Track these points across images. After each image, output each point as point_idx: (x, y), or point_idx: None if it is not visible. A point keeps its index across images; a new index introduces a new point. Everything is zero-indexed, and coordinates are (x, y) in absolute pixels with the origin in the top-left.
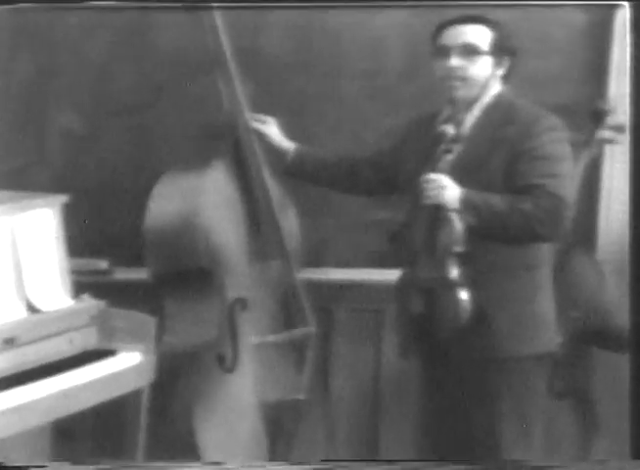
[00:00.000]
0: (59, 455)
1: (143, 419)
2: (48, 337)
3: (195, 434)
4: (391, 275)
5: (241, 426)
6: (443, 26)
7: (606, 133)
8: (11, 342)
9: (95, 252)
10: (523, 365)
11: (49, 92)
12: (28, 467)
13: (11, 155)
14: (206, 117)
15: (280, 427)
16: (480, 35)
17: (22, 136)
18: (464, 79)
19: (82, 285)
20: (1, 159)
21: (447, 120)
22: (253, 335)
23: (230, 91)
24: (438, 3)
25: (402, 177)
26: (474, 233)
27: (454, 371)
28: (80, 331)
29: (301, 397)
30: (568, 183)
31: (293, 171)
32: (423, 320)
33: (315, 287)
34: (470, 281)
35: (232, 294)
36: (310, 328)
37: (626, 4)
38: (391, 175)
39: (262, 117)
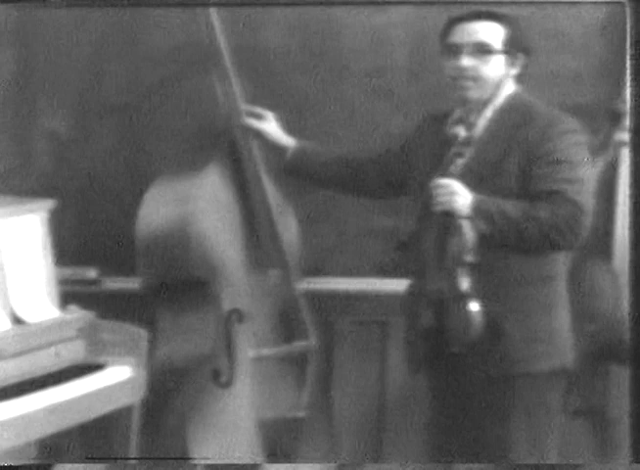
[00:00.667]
0: None
1: (133, 437)
2: (33, 350)
3: (189, 453)
4: (397, 285)
5: (237, 445)
6: (453, 23)
7: (623, 135)
8: None
9: (83, 260)
10: (536, 382)
11: (34, 92)
12: (28, 467)
13: None
14: (202, 118)
15: (278, 446)
16: (492, 33)
17: (6, 138)
18: (476, 80)
19: (70, 295)
20: None
21: (458, 122)
22: (251, 348)
23: (226, 91)
24: (445, 1)
25: (410, 180)
26: (486, 242)
27: (465, 388)
28: (67, 344)
29: (301, 414)
30: (587, 189)
31: (292, 169)
32: (432, 334)
33: (316, 298)
34: (482, 293)
35: (228, 305)
36: (311, 341)
37: (626, 3)
38: (398, 177)
39: (259, 110)
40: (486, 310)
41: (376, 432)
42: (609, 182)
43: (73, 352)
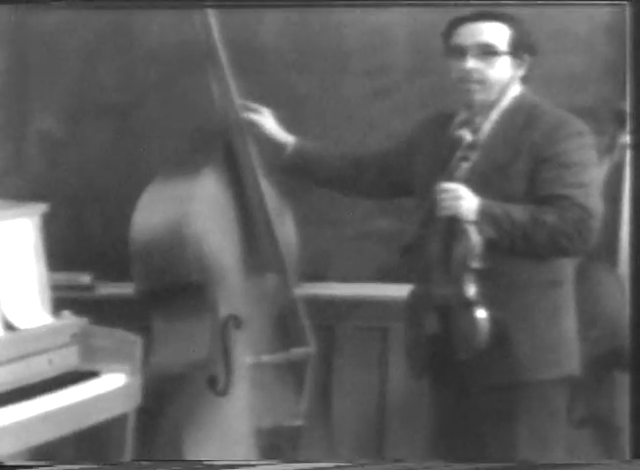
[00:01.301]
0: None
1: (128, 446)
2: (26, 357)
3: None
4: (399, 290)
5: (234, 454)
6: (457, 23)
7: (629, 137)
8: None
9: (77, 265)
10: (542, 390)
11: (26, 92)
12: (28, 467)
13: None
14: (197, 118)
15: (277, 456)
16: (497, 34)
17: None
18: (482, 82)
19: (63, 301)
20: None
21: (464, 125)
22: (248, 355)
23: (223, 91)
24: (446, 2)
25: (412, 181)
26: (493, 247)
27: (469, 396)
28: (61, 351)
29: (300, 422)
30: (594, 193)
31: (290, 167)
32: (437, 341)
33: (315, 303)
34: (488, 299)
35: (225, 310)
36: (310, 348)
37: (626, 3)
38: (400, 178)
39: (256, 106)
40: (493, 317)
41: (376, 440)
42: (614, 185)
43: (67, 358)
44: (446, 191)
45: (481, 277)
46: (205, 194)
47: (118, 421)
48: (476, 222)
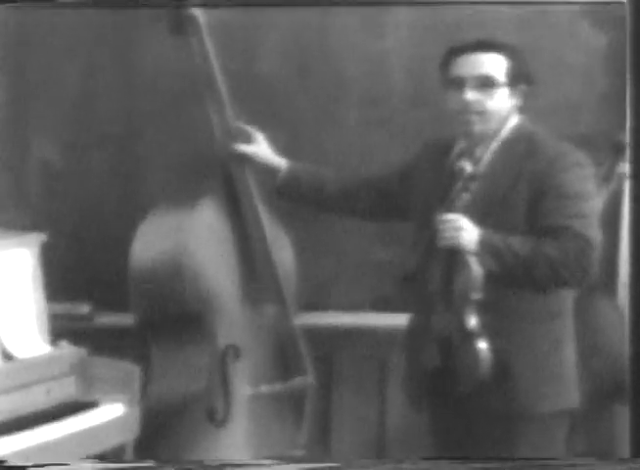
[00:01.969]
0: None
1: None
2: (23, 387)
3: None
4: (398, 320)
5: None
6: (454, 54)
7: (627, 167)
8: None
9: (75, 295)
10: (543, 423)
11: (24, 120)
12: (29, 467)
13: None
14: (196, 148)
15: None
16: (496, 65)
17: None
18: (481, 114)
19: (61, 331)
20: None
21: (463, 155)
22: (247, 386)
23: (221, 119)
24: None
25: (409, 206)
26: (494, 279)
27: (470, 428)
28: (58, 381)
29: (300, 454)
30: (594, 223)
31: (285, 191)
32: (437, 374)
33: (314, 333)
34: (489, 331)
35: (223, 341)
36: (309, 378)
37: (626, 3)
38: (398, 202)
39: (250, 130)
40: (494, 349)
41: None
42: (612, 215)
43: (65, 388)
44: (447, 222)
45: (483, 309)
46: (203, 224)
47: (117, 452)
48: (477, 254)
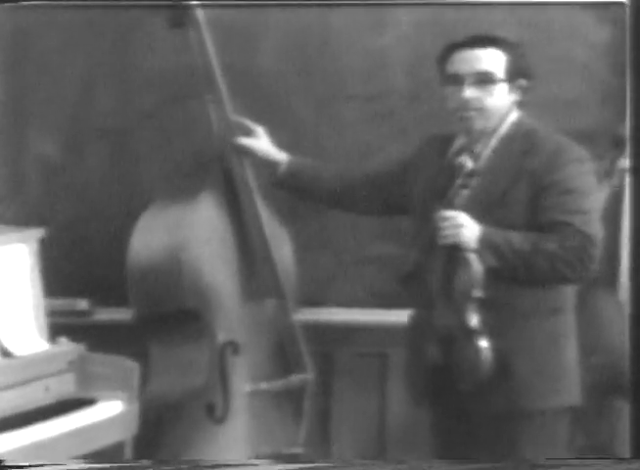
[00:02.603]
0: None
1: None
2: (21, 384)
3: None
4: (398, 316)
5: None
6: (452, 50)
7: (628, 162)
8: None
9: (74, 291)
10: (544, 419)
11: (23, 115)
12: (28, 467)
13: None
14: (195, 142)
15: None
16: (494, 61)
17: None
18: (480, 111)
19: (60, 327)
20: None
21: (462, 151)
22: (246, 382)
23: (220, 114)
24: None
25: (408, 201)
26: (494, 276)
27: (471, 425)
28: (57, 377)
29: (299, 450)
30: (595, 219)
31: (284, 184)
32: (439, 371)
33: (314, 329)
34: (490, 328)
35: (222, 337)
36: (309, 374)
37: (626, 2)
38: (397, 198)
39: (250, 124)
40: (496, 346)
41: (376, 467)
42: (613, 210)
43: (63, 385)
44: (447, 219)
45: (484, 306)
46: (202, 219)
47: (116, 449)
48: (477, 251)
